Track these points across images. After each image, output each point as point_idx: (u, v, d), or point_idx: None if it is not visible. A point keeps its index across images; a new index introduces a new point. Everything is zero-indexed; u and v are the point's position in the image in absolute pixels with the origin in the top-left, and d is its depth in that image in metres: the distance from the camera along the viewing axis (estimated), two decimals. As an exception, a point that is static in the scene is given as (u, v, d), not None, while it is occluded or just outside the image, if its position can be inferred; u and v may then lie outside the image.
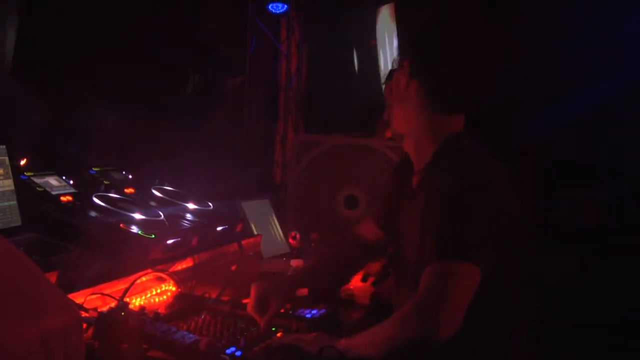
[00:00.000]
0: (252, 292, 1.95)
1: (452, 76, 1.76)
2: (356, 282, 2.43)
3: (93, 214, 2.07)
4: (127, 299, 1.90)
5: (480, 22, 1.79)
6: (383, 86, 2.01)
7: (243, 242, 2.51)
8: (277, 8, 4.80)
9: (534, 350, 1.79)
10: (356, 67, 5.12)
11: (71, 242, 1.90)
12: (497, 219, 1.64)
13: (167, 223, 2.20)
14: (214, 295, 2.20)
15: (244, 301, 2.01)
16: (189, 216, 2.41)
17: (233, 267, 2.41)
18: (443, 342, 1.50)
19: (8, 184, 1.97)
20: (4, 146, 1.99)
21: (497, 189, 1.70)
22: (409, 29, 1.90)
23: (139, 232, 2.03)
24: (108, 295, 1.86)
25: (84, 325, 1.67)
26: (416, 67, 1.79)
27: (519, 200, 1.75)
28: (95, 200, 2.15)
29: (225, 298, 2.22)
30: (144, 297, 2.05)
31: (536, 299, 1.79)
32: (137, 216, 2.13)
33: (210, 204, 2.59)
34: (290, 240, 3.00)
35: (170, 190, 2.56)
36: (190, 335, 1.67)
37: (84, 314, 1.69)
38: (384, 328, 1.60)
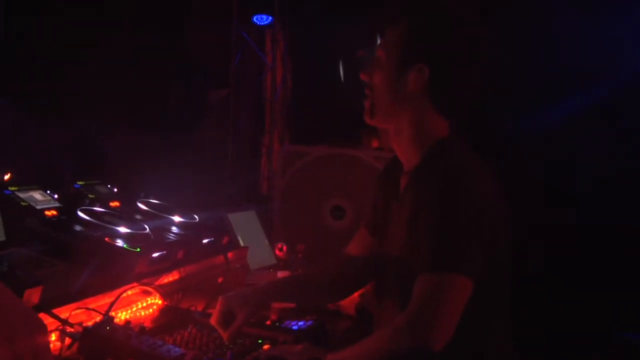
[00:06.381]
0: (218, 305, 1.85)
1: (466, 75, 1.70)
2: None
3: (78, 228, 2.06)
4: (112, 313, 1.89)
5: (484, 27, 1.74)
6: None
7: (229, 254, 2.51)
8: (262, 20, 4.83)
9: None
10: (342, 78, 5.13)
11: (56, 257, 1.89)
12: (488, 230, 1.60)
13: (152, 236, 2.19)
14: (200, 308, 2.19)
15: (209, 311, 1.98)
16: (174, 229, 2.40)
17: (219, 280, 2.40)
18: (436, 354, 1.49)
19: (-8, 199, 1.96)
20: (-13, 161, 1.99)
21: (489, 198, 1.65)
22: (416, 18, 1.70)
23: (124, 245, 2.02)
24: (93, 309, 1.85)
25: (69, 340, 1.67)
26: (431, 57, 1.67)
27: (508, 207, 1.69)
28: (80, 214, 2.14)
29: (211, 311, 2.20)
30: (129, 311, 2.04)
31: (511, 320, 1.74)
32: (123, 230, 2.12)
33: (196, 216, 2.59)
34: (277, 252, 2.99)
35: (155, 203, 2.55)
36: (177, 349, 1.67)
37: (68, 329, 1.68)
38: (374, 341, 1.58)
